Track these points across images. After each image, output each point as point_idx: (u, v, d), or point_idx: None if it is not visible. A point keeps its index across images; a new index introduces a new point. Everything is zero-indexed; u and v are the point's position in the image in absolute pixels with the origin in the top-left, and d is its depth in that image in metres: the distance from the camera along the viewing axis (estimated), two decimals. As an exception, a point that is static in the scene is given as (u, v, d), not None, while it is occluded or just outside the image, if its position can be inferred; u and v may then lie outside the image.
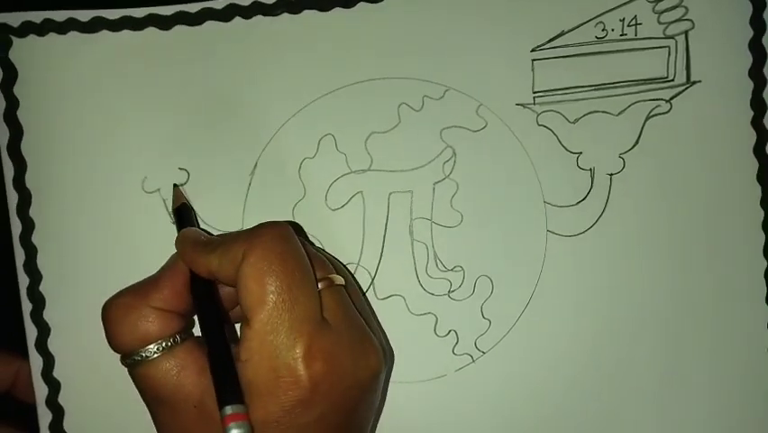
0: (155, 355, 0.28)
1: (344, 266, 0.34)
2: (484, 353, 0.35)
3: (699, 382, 0.35)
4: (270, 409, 0.26)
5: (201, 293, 0.29)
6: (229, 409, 0.25)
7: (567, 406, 0.35)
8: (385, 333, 0.34)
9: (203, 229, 0.33)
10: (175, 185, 0.33)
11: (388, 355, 0.30)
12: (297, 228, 0.33)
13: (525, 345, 0.35)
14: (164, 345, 0.28)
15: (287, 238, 0.28)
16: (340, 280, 0.29)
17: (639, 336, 0.35)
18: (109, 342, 0.28)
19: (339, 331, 0.28)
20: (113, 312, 0.28)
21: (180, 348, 0.28)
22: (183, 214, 0.33)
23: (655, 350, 0.35)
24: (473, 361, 0.35)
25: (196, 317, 0.31)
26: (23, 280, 0.33)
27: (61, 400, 0.34)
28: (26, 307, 0.33)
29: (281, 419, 0.26)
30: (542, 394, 0.35)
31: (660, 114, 0.34)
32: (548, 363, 0.35)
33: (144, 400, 0.29)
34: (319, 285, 0.28)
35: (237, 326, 0.32)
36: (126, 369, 0.29)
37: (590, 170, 0.35)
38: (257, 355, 0.26)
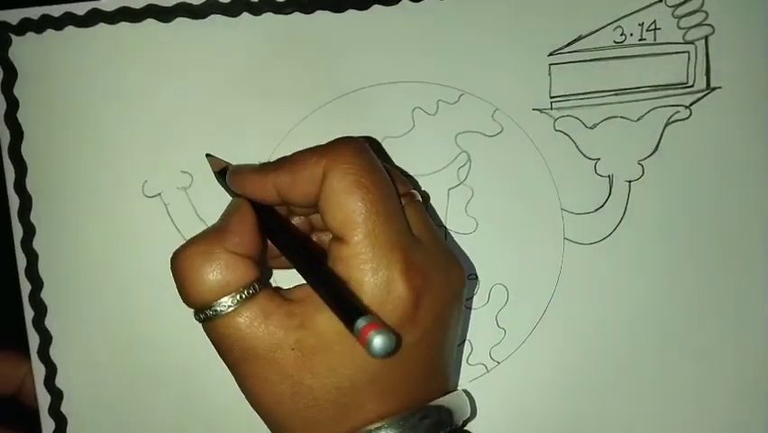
0: (237, 305, 0.26)
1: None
2: (499, 363, 0.34)
3: (722, 391, 0.34)
4: None
5: (276, 227, 0.28)
6: (363, 321, 0.23)
7: (585, 416, 0.34)
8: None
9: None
10: (208, 154, 0.32)
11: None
12: (376, 147, 0.32)
13: (541, 356, 0.34)
14: (246, 293, 0.26)
15: (367, 151, 0.27)
16: (418, 195, 0.29)
17: (658, 346, 0.34)
18: (185, 296, 0.27)
19: (429, 245, 0.27)
20: (189, 261, 0.26)
21: (261, 296, 0.26)
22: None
23: (676, 359, 0.34)
24: (488, 371, 0.34)
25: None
26: (25, 287, 0.32)
27: (64, 409, 0.33)
28: (28, 314, 0.32)
29: None
30: (558, 405, 0.34)
31: (679, 120, 0.34)
32: (564, 374, 0.34)
33: (226, 357, 0.27)
34: (401, 200, 0.28)
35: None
36: (201, 325, 0.27)
37: (609, 176, 0.34)
38: (358, 272, 0.25)
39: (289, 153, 0.32)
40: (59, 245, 0.33)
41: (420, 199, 0.29)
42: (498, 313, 0.34)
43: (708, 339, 0.35)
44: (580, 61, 0.34)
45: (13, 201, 0.32)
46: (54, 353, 0.33)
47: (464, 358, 0.34)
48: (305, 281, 0.27)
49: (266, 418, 0.27)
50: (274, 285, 0.29)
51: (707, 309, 0.35)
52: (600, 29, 0.34)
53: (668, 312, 0.34)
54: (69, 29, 0.32)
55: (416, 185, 0.34)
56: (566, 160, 0.34)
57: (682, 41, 0.34)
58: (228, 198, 0.30)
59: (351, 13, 0.33)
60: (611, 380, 0.34)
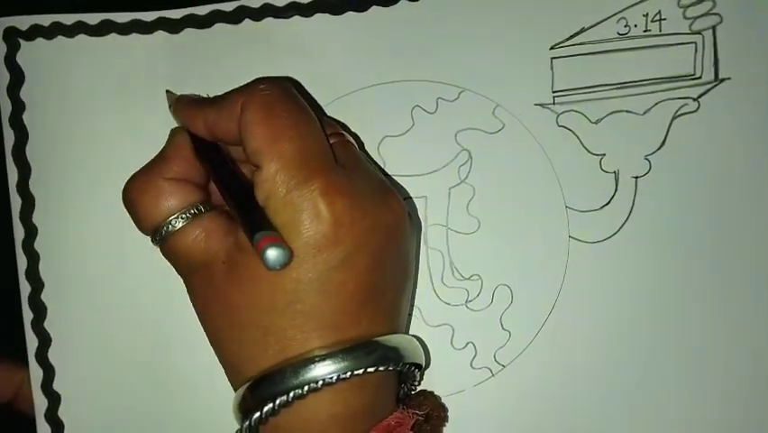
0: (181, 224, 0.29)
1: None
2: (504, 366, 0.34)
3: (732, 390, 0.34)
4: (294, 246, 0.26)
5: (208, 152, 0.30)
6: (261, 235, 0.25)
7: (592, 420, 0.34)
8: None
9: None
10: (167, 90, 0.34)
11: (414, 218, 0.30)
12: (300, 90, 0.33)
13: (547, 358, 0.34)
14: (188, 213, 0.29)
15: (285, 86, 0.28)
16: (351, 138, 0.30)
17: (667, 346, 0.34)
18: (136, 224, 0.30)
19: (356, 175, 0.28)
20: (132, 193, 0.29)
21: (205, 216, 0.29)
22: None
23: (684, 361, 0.34)
24: (492, 375, 0.34)
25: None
26: (25, 288, 0.34)
27: (61, 414, 0.34)
28: (27, 316, 0.34)
29: (305, 256, 0.26)
30: (565, 409, 0.34)
31: (687, 113, 0.34)
32: (571, 376, 0.34)
33: (179, 272, 0.30)
34: (330, 139, 0.29)
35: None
36: (158, 248, 0.29)
37: (614, 172, 0.34)
38: (272, 196, 0.26)
39: None
40: (60, 247, 0.34)
41: (353, 142, 0.30)
42: (503, 314, 0.34)
43: (720, 338, 0.34)
44: (583, 54, 0.34)
45: (15, 202, 0.34)
46: (52, 356, 0.34)
47: (468, 362, 0.34)
48: None
49: (211, 341, 0.29)
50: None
51: (718, 308, 0.34)
52: (603, 21, 0.34)
53: (677, 311, 0.34)
54: (81, 37, 0.34)
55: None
56: (570, 156, 0.34)
57: (689, 32, 0.34)
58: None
59: (349, 15, 0.34)
60: (620, 381, 0.34)
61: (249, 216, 0.26)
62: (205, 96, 0.33)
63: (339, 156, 0.28)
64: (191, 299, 0.30)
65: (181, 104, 0.31)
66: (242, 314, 0.27)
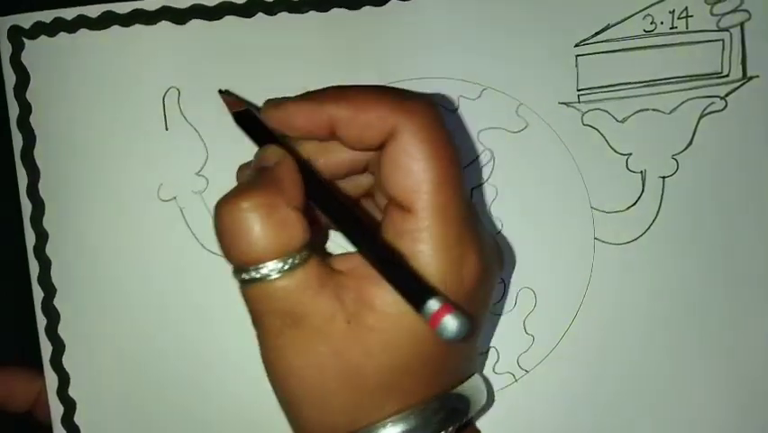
0: (290, 269, 0.24)
1: None
2: (527, 371, 0.34)
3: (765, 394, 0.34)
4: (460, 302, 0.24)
5: (319, 183, 0.25)
6: (435, 303, 0.22)
7: (617, 425, 0.34)
8: None
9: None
10: (220, 90, 0.31)
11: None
12: None
13: (572, 362, 0.34)
14: (299, 256, 0.24)
15: (441, 114, 0.25)
16: None
17: (695, 349, 0.34)
18: (232, 251, 0.24)
19: (480, 224, 0.27)
20: (246, 213, 0.23)
21: (313, 261, 0.24)
22: (248, 120, 0.28)
23: (714, 363, 0.34)
24: (516, 380, 0.34)
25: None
26: (38, 294, 0.33)
27: (77, 419, 0.33)
28: (41, 321, 0.33)
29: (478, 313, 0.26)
30: (590, 414, 0.34)
31: (714, 111, 0.34)
32: (596, 381, 0.34)
33: (266, 322, 0.25)
34: None
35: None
36: (240, 284, 0.25)
37: (641, 172, 0.34)
38: (427, 248, 0.24)
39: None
40: (72, 251, 0.33)
41: None
42: (526, 318, 0.34)
43: (751, 339, 0.34)
44: (608, 52, 0.33)
45: (26, 207, 0.33)
46: (67, 362, 0.33)
47: (490, 367, 0.34)
48: (352, 250, 0.25)
49: (297, 397, 0.25)
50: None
51: (749, 309, 0.34)
52: (629, 17, 0.33)
53: (706, 313, 0.34)
54: (82, 32, 0.33)
55: None
56: (595, 155, 0.34)
57: (716, 29, 0.33)
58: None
59: (367, 9, 0.34)
60: (646, 386, 0.34)
61: (410, 280, 0.23)
62: (219, 90, 0.32)
63: None
64: (276, 354, 0.25)
65: (286, 104, 0.26)
66: (368, 375, 0.25)
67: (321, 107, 0.25)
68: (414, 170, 0.24)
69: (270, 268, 0.24)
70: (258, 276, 0.24)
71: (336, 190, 0.27)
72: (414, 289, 0.23)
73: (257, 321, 0.25)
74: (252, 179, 0.25)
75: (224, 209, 0.24)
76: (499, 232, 0.34)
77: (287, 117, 0.26)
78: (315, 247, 0.25)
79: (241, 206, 0.24)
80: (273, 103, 0.27)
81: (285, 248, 0.24)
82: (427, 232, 0.24)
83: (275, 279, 0.24)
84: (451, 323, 0.22)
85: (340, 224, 0.25)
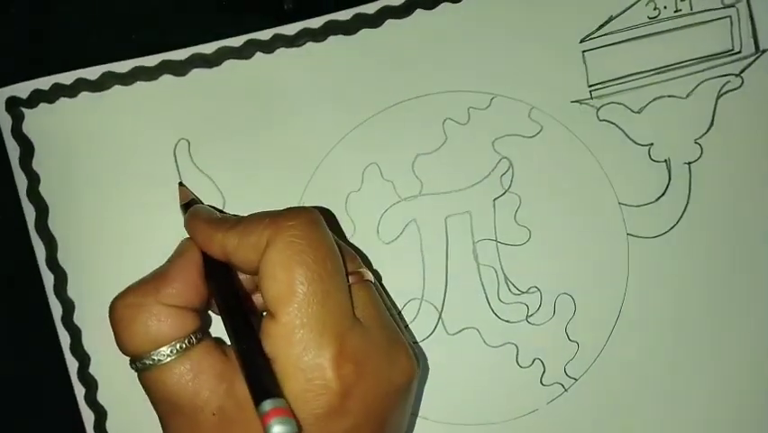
0: (168, 359, 0.26)
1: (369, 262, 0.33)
2: (576, 379, 0.33)
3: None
4: (299, 415, 0.24)
5: (219, 277, 0.28)
6: (270, 404, 0.23)
7: (672, 423, 0.33)
8: (414, 337, 0.33)
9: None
10: (180, 183, 0.33)
11: (419, 360, 0.29)
12: (324, 214, 0.32)
13: (621, 365, 0.33)
14: (178, 346, 0.26)
15: (318, 224, 0.27)
16: (370, 275, 0.28)
17: (745, 339, 0.33)
18: (118, 345, 0.27)
19: (372, 331, 0.27)
20: (120, 313, 0.27)
21: (196, 350, 0.27)
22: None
23: (758, 349, 0.33)
24: (566, 390, 0.33)
25: (211, 313, 0.30)
26: (57, 309, 0.33)
27: (109, 427, 0.33)
28: (64, 340, 0.33)
29: (311, 427, 0.25)
30: (644, 415, 0.33)
31: (731, 90, 0.33)
32: (647, 381, 0.33)
33: (156, 407, 0.27)
34: (349, 279, 0.27)
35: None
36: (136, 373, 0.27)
37: (665, 161, 0.33)
38: (283, 353, 0.25)
39: (319, 195, 0.33)
40: (97, 317, 0.32)
41: (371, 279, 0.28)
42: (568, 325, 0.33)
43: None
44: (615, 44, 0.33)
45: (48, 278, 0.32)
46: (94, 371, 0.33)
47: (538, 379, 0.33)
48: None
49: None
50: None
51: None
52: (631, 6, 0.33)
53: (748, 297, 0.33)
54: (84, 95, 0.33)
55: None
56: (616, 150, 0.33)
57: (722, 6, 0.33)
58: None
59: (364, 32, 0.33)
60: (698, 379, 0.33)
61: (256, 375, 0.25)
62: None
63: (357, 304, 0.27)
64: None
65: (197, 220, 0.29)
66: None
67: (214, 235, 0.28)
68: (278, 278, 0.25)
69: (147, 359, 0.27)
70: (139, 366, 0.27)
71: (237, 285, 0.29)
72: (257, 388, 0.24)
73: (153, 406, 0.28)
74: (144, 277, 0.28)
75: (110, 306, 0.28)
76: (528, 241, 0.33)
77: (192, 233, 0.29)
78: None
79: (115, 305, 0.27)
80: (191, 213, 0.30)
81: (156, 342, 0.26)
82: (285, 339, 0.25)
83: (155, 368, 0.26)
84: (275, 427, 0.23)
85: (224, 315, 0.27)
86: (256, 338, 0.26)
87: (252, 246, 0.26)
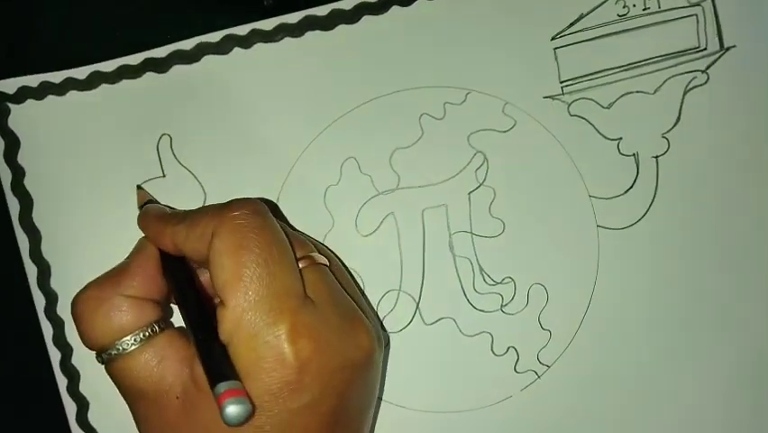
0: (132, 348, 0.27)
1: (331, 250, 0.33)
2: (549, 366, 0.34)
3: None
4: (255, 393, 0.25)
5: (175, 271, 0.29)
6: (224, 386, 0.24)
7: (645, 408, 0.34)
8: (382, 322, 0.34)
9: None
10: (138, 186, 0.33)
11: (382, 341, 0.30)
12: (272, 207, 0.33)
13: (592, 352, 0.34)
14: (141, 335, 0.28)
15: (261, 213, 0.27)
16: (322, 259, 0.29)
17: (707, 323, 0.34)
18: (81, 338, 0.28)
19: (325, 309, 0.27)
20: (82, 306, 0.28)
21: (159, 338, 0.28)
22: None
23: (735, 344, 0.34)
24: (538, 377, 0.34)
25: (174, 306, 0.31)
26: (47, 330, 0.33)
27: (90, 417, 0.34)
28: (47, 331, 0.33)
29: (268, 404, 0.25)
30: (617, 400, 0.34)
31: (698, 86, 0.34)
32: (618, 367, 0.34)
33: (124, 396, 0.28)
34: (300, 264, 0.28)
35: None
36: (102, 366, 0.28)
37: (634, 155, 0.34)
38: (235, 336, 0.26)
39: (297, 190, 0.34)
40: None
41: (324, 262, 0.29)
42: (541, 314, 0.34)
43: (757, 310, 0.34)
44: (585, 41, 0.34)
45: (31, 270, 0.33)
46: (84, 389, 0.34)
47: (512, 367, 0.34)
48: None
49: None
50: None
51: (749, 280, 0.34)
52: (601, 4, 0.34)
53: (713, 287, 0.34)
54: (72, 93, 0.34)
55: (325, 251, 0.32)
56: (587, 144, 0.34)
57: (688, 4, 0.34)
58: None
59: (341, 28, 0.34)
60: (667, 367, 0.34)
61: (211, 360, 0.26)
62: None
63: (309, 285, 0.27)
64: (135, 423, 0.28)
65: (148, 218, 0.30)
66: None
67: (164, 229, 0.29)
68: (224, 265, 0.26)
69: (112, 350, 0.28)
70: (105, 357, 0.28)
71: (194, 280, 0.30)
72: (213, 372, 0.25)
73: (122, 396, 0.29)
74: (104, 273, 0.29)
75: (72, 302, 0.29)
76: (502, 233, 0.34)
77: (144, 229, 0.30)
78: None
79: (76, 300, 0.28)
80: (143, 212, 0.31)
81: (120, 332, 0.28)
82: (236, 323, 0.26)
83: (120, 357, 0.28)
84: (229, 407, 0.24)
85: (180, 306, 0.28)
86: (211, 326, 0.27)
87: (199, 237, 0.27)
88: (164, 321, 0.29)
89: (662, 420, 0.34)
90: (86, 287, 0.29)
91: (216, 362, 0.25)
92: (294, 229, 0.33)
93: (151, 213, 0.30)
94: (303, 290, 0.27)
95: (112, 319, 0.27)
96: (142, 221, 0.31)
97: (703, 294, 0.34)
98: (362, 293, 0.34)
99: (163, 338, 0.28)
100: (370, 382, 0.29)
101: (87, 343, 0.28)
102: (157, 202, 0.33)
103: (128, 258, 0.30)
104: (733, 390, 0.34)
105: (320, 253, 0.29)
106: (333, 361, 0.26)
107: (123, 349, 0.27)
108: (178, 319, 0.31)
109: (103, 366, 0.28)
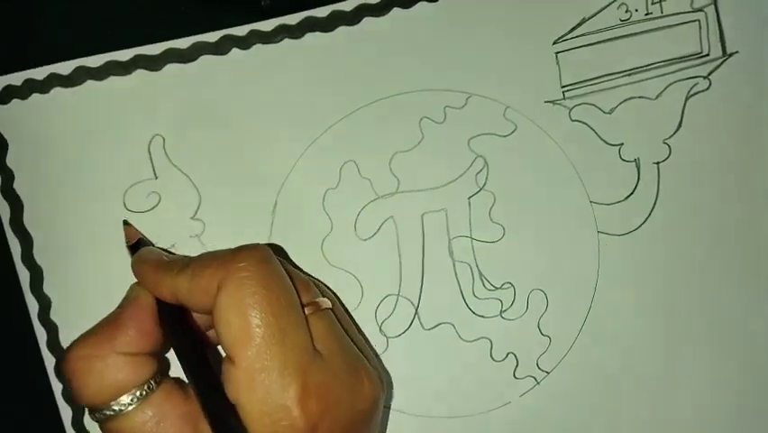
0: (129, 408, 0.26)
1: (327, 287, 0.33)
2: (548, 372, 0.34)
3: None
4: None
5: (173, 322, 0.28)
6: None
7: (644, 414, 0.35)
8: (378, 356, 0.34)
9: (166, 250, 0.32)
10: (125, 221, 0.33)
11: (384, 381, 0.30)
12: (276, 249, 0.32)
13: (591, 358, 0.34)
14: (138, 394, 0.27)
15: (268, 261, 0.27)
16: (327, 303, 0.29)
17: (711, 333, 0.35)
18: (75, 397, 0.27)
19: (332, 361, 0.27)
20: (73, 365, 0.27)
21: (156, 395, 0.27)
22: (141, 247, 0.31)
23: (736, 350, 0.35)
24: (538, 383, 0.34)
25: (169, 354, 0.30)
26: (49, 361, 0.33)
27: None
28: (41, 336, 0.33)
29: None
30: (615, 406, 0.35)
31: (700, 92, 0.35)
32: (618, 374, 0.35)
33: None
34: (306, 311, 0.27)
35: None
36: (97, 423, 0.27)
37: (635, 160, 0.35)
38: (245, 398, 0.25)
39: (296, 192, 0.33)
40: (76, 314, 0.33)
41: (329, 306, 0.29)
42: (540, 320, 0.34)
43: (760, 314, 0.35)
44: (587, 45, 0.34)
45: (24, 275, 0.33)
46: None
47: (511, 373, 0.34)
48: None
49: None
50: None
51: (752, 284, 0.35)
52: (604, 8, 0.34)
53: (715, 292, 0.35)
54: (56, 90, 0.33)
55: (323, 289, 0.32)
56: (588, 149, 0.34)
57: (691, 10, 0.34)
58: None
59: (341, 29, 0.34)
60: (667, 373, 0.35)
61: (223, 423, 0.25)
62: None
63: (316, 336, 0.27)
64: None
65: (144, 266, 0.29)
66: None
67: (163, 280, 0.27)
68: (232, 322, 0.25)
69: (106, 410, 0.27)
70: (99, 417, 0.27)
71: (194, 329, 0.29)
72: (220, 431, 0.25)
73: None
74: (96, 325, 0.28)
75: (64, 358, 0.27)
76: (502, 238, 0.35)
77: (141, 278, 0.29)
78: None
79: (69, 357, 0.27)
80: (137, 258, 0.30)
81: (115, 392, 0.26)
82: (246, 383, 0.25)
83: (116, 418, 0.26)
84: None
85: (181, 359, 0.27)
86: (216, 381, 0.26)
87: (203, 290, 0.26)
88: (160, 374, 0.28)
89: (663, 427, 0.35)
90: (78, 343, 0.27)
91: (229, 426, 0.25)
92: (293, 265, 0.33)
93: (148, 260, 0.29)
94: (311, 344, 0.27)
95: (106, 380, 0.26)
96: (138, 269, 0.29)
97: (704, 300, 0.35)
98: (362, 294, 0.34)
99: (161, 394, 0.27)
100: (375, 422, 0.29)
101: (81, 401, 0.27)
102: (148, 240, 0.32)
103: (120, 307, 0.28)
104: (734, 395, 0.35)
105: (321, 292, 0.29)
106: (343, 416, 0.26)
107: (120, 410, 0.26)
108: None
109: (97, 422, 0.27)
